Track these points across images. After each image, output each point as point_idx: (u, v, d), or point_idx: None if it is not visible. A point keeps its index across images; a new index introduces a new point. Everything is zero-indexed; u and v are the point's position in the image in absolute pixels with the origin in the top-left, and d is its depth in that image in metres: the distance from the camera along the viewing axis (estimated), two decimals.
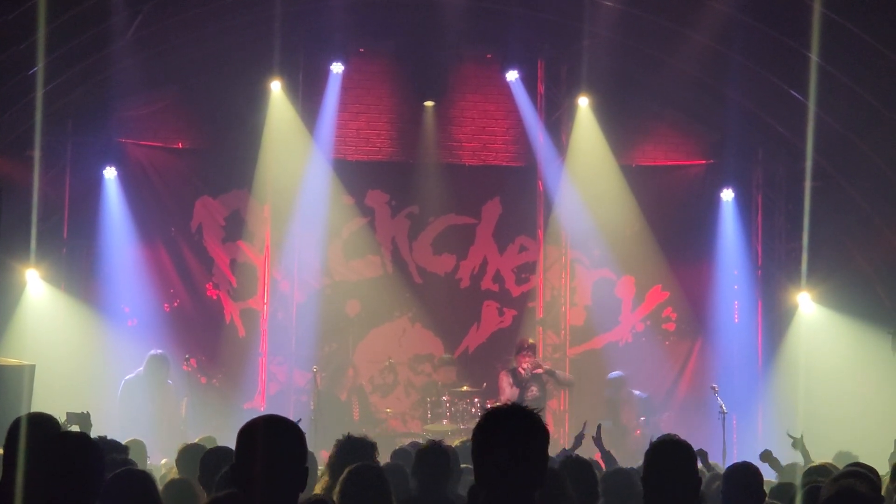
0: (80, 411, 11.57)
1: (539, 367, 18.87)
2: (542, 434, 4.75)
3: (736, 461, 8.80)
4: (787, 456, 13.29)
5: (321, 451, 17.41)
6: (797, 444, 13.41)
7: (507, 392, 17.83)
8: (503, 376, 17.99)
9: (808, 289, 20.68)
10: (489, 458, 4.70)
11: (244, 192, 21.22)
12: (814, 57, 16.99)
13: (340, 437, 9.07)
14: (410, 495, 8.74)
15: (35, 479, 5.56)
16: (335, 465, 8.60)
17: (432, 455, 8.89)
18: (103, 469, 5.80)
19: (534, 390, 17.84)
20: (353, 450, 8.78)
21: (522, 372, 17.69)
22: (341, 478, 7.77)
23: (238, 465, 4.99)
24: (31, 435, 5.97)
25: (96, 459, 5.66)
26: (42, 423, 6.34)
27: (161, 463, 14.25)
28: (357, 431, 18.91)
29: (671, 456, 6.28)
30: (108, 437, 9.46)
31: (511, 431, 4.71)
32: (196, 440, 12.17)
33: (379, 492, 7.75)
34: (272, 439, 4.99)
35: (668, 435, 6.60)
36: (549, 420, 19.46)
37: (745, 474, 8.12)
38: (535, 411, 4.81)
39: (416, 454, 9.05)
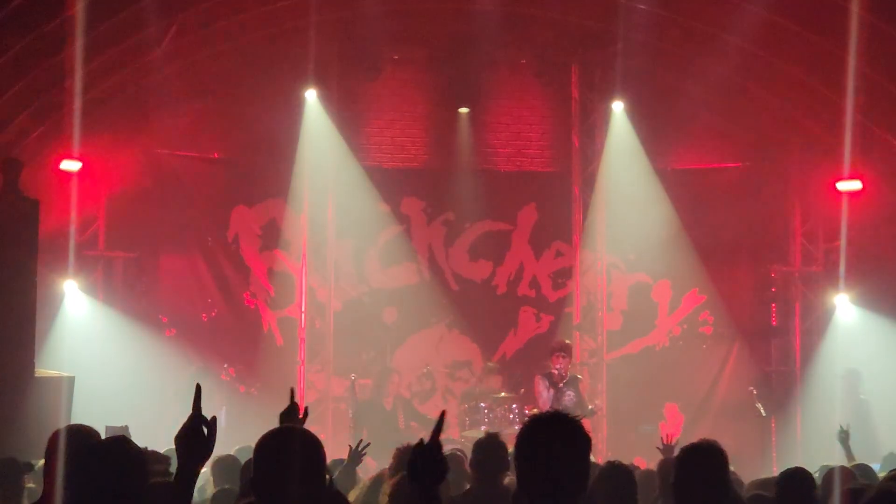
0: (118, 425, 11.60)
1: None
2: (583, 441, 4.78)
3: (788, 466, 8.70)
4: (827, 458, 13.19)
5: (367, 460, 17.51)
6: (842, 437, 13.26)
7: (544, 395, 17.75)
8: (538, 381, 17.93)
9: (847, 290, 20.55)
10: (532, 465, 4.72)
11: (280, 201, 21.27)
12: (850, 58, 16.91)
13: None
14: (466, 487, 8.71)
15: (75, 490, 5.58)
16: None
17: (490, 447, 8.78)
18: (145, 477, 5.78)
19: (570, 394, 17.77)
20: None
21: (556, 372, 17.64)
22: (391, 486, 7.72)
23: (256, 477, 5.01)
24: (72, 446, 5.98)
25: (136, 467, 5.65)
26: (82, 435, 6.35)
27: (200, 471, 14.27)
28: (403, 439, 18.94)
29: (702, 461, 6.24)
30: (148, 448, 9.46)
31: (553, 438, 4.73)
32: (233, 450, 12.21)
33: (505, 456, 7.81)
34: (291, 451, 5.01)
35: (703, 440, 6.55)
36: (587, 426, 19.32)
37: (799, 480, 8.02)
38: (576, 418, 4.84)
39: (474, 445, 8.90)
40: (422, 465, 4.44)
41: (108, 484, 5.51)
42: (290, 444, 5.05)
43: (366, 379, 20.31)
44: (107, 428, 11.18)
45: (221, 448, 15.61)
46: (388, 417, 19.68)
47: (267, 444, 5.07)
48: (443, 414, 4.59)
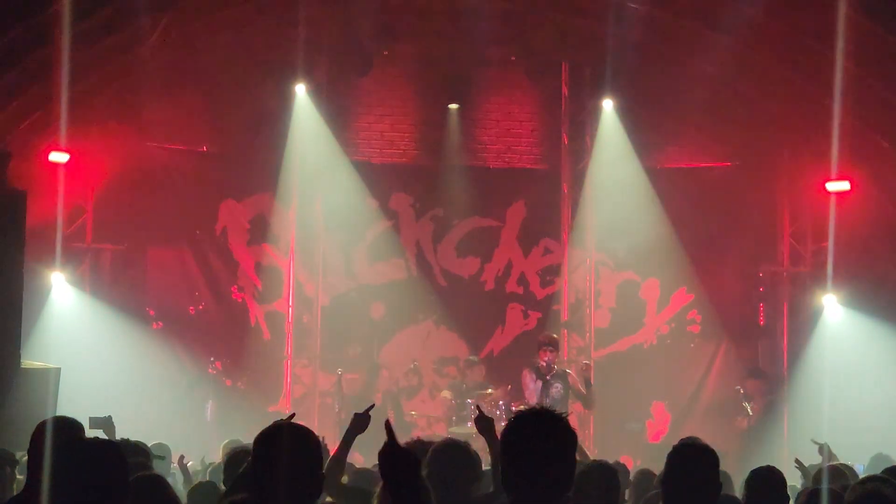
0: (102, 416, 11.51)
1: (586, 370, 18.27)
2: (569, 438, 4.71)
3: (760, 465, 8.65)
4: (813, 457, 13.18)
5: (354, 455, 17.49)
6: (823, 449, 13.27)
7: (531, 387, 17.75)
8: (526, 374, 17.91)
9: (834, 291, 20.55)
10: (517, 462, 4.66)
11: (269, 195, 21.25)
12: (839, 57, 16.89)
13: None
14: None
15: (59, 483, 5.54)
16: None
17: (450, 455, 7.68)
18: (126, 475, 5.75)
19: (558, 387, 17.74)
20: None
21: (543, 365, 17.61)
22: (428, 456, 7.58)
23: (253, 471, 5.02)
24: (56, 439, 5.95)
25: (118, 466, 5.61)
26: (67, 427, 6.32)
27: (188, 465, 14.26)
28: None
29: (693, 460, 6.21)
30: (131, 440, 9.38)
31: (538, 435, 4.67)
32: (220, 445, 12.17)
33: (469, 465, 7.58)
34: (288, 446, 5.02)
35: (691, 438, 6.52)
36: (574, 423, 19.27)
37: (768, 478, 7.99)
38: (561, 415, 4.77)
39: (430, 454, 7.60)
40: (388, 465, 4.32)
41: (89, 483, 5.47)
42: (284, 442, 5.06)
43: (352, 374, 20.33)
44: (90, 419, 11.08)
45: (210, 442, 15.59)
46: (376, 413, 19.63)
47: (262, 442, 5.10)
48: (387, 422, 4.49)
